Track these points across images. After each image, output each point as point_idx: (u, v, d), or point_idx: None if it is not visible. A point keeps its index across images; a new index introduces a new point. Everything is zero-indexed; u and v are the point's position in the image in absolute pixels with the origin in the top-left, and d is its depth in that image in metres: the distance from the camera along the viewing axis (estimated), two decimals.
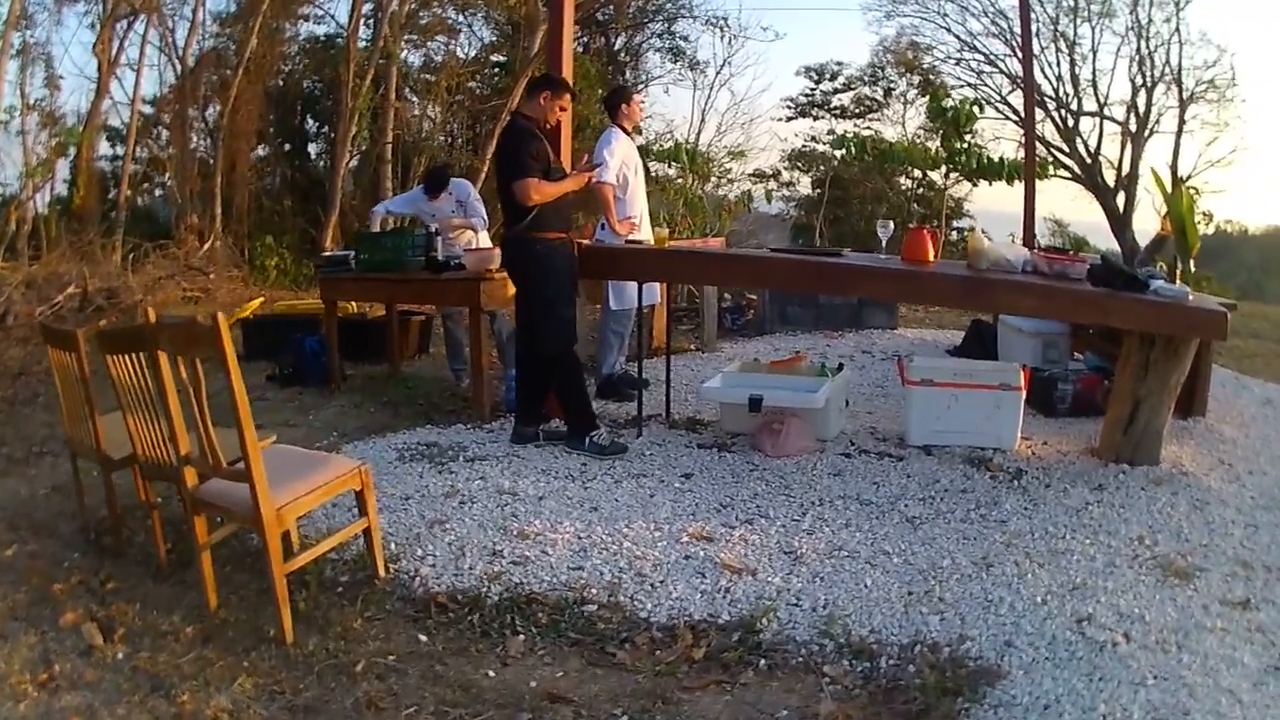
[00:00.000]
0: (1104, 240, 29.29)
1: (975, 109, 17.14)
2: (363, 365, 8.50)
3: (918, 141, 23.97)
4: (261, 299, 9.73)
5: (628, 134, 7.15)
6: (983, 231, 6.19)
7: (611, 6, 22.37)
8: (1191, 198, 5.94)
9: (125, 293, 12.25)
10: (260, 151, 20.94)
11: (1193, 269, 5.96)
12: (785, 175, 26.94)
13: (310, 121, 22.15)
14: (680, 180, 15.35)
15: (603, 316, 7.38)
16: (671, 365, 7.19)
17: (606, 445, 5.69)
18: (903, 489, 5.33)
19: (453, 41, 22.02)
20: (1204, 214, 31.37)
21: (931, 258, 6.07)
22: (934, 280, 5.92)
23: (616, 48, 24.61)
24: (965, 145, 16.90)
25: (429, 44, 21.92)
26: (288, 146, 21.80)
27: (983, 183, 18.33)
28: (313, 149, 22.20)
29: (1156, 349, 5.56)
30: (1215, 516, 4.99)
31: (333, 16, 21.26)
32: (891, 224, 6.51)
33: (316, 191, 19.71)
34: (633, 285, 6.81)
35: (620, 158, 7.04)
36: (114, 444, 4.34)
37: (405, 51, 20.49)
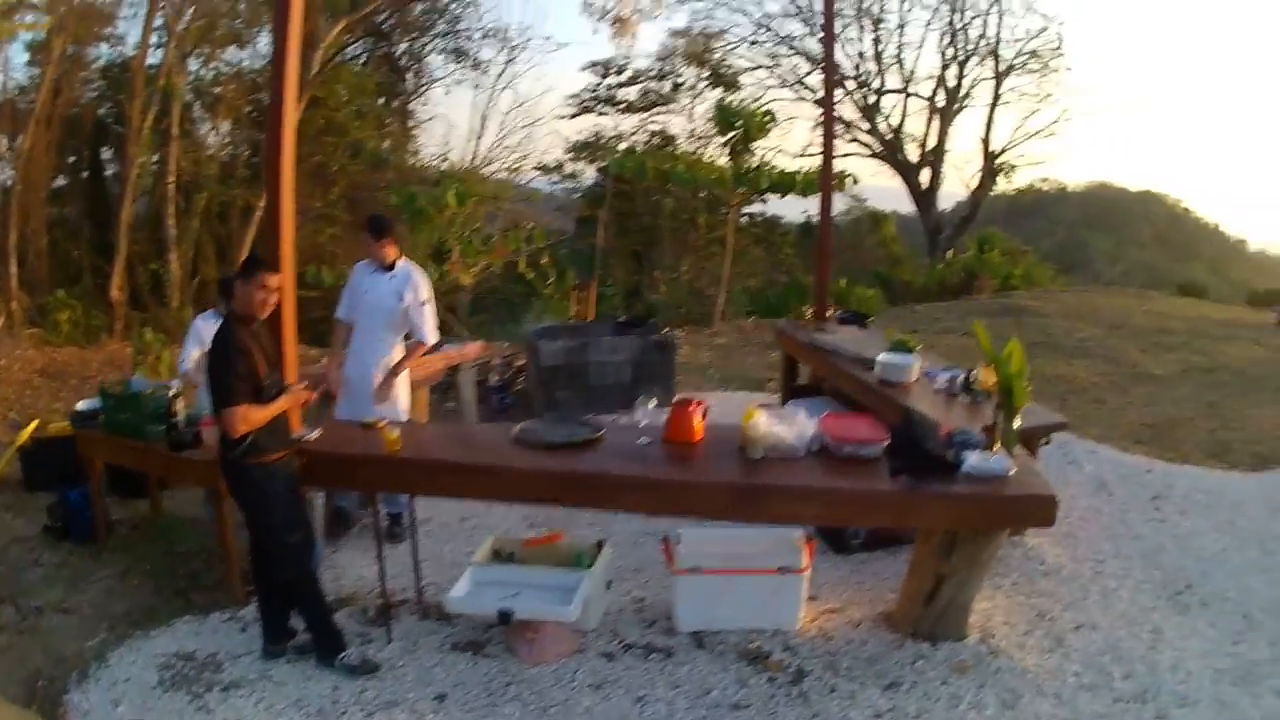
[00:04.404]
0: (903, 205, 31.66)
1: (767, 118, 18.24)
2: (132, 502, 8.42)
3: (705, 139, 26.23)
4: (35, 422, 9.27)
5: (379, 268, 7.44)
6: (760, 408, 6.03)
7: (393, 15, 23.79)
8: (1022, 360, 5.95)
9: None
10: (61, 181, 21.58)
11: (1016, 425, 6.00)
12: (569, 168, 28.74)
13: (105, 152, 22.69)
14: (453, 212, 15.51)
15: None
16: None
17: (357, 665, 5.71)
18: (670, 709, 5.37)
19: (243, 55, 22.72)
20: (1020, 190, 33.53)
21: (698, 436, 6.10)
22: (699, 491, 5.80)
23: (398, 54, 26.15)
24: (755, 164, 17.92)
25: (219, 57, 22.48)
26: (85, 174, 22.37)
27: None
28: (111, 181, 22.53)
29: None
30: (1028, 714, 5.18)
31: (122, 39, 21.80)
32: (654, 401, 6.43)
33: (114, 223, 20.22)
34: (368, 404, 6.98)
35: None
36: None
37: (195, 69, 21.45)
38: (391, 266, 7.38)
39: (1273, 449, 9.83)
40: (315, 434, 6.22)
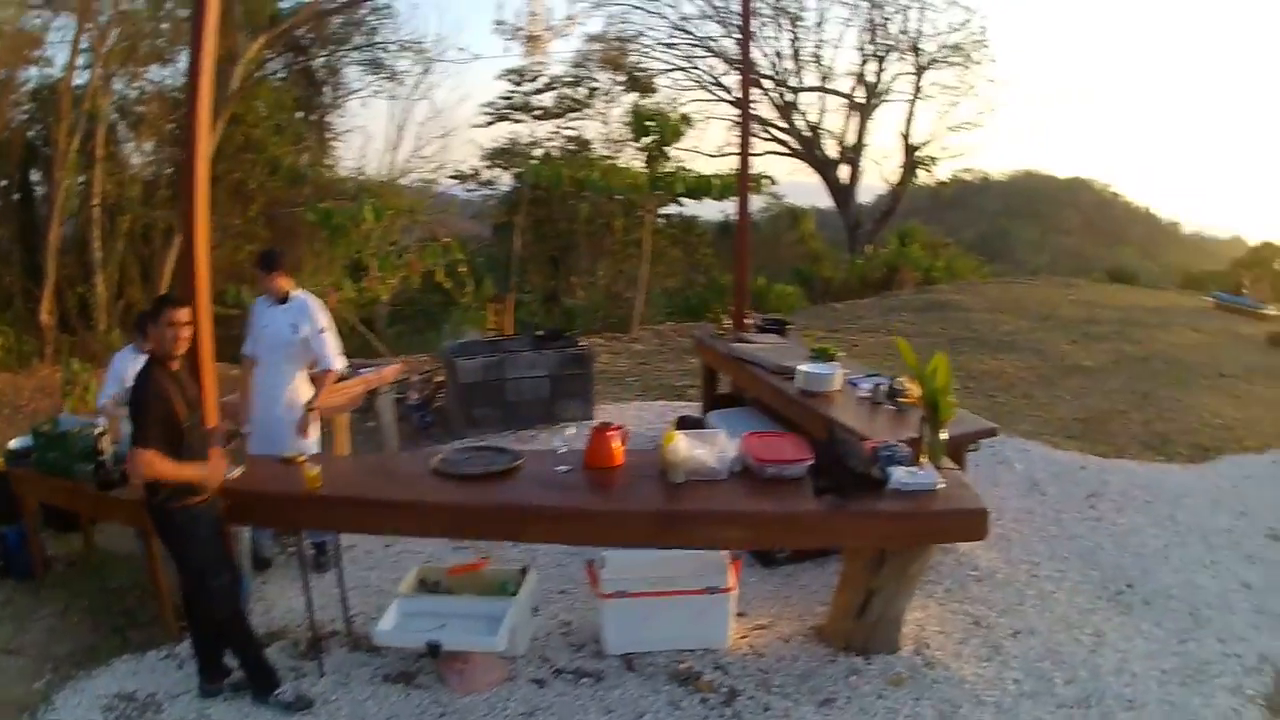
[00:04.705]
0: (823, 200, 32.11)
1: (683, 123, 18.62)
2: (66, 537, 8.35)
3: (621, 144, 26.41)
4: None
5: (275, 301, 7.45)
6: (679, 429, 5.93)
7: (312, 28, 23.88)
8: (948, 375, 5.87)
9: None
10: None
11: (943, 436, 5.94)
12: (485, 175, 29.01)
13: (34, 175, 22.77)
14: (370, 227, 15.46)
15: None
16: None
17: (291, 701, 5.72)
18: None
19: (165, 73, 22.77)
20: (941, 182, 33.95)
21: (618, 461, 6.07)
22: (621, 520, 5.78)
23: (316, 67, 26.23)
24: (671, 169, 18.13)
25: (142, 76, 22.52)
26: (16, 197, 22.43)
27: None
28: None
29: None
30: None
31: (50, 61, 21.80)
32: (572, 428, 6.41)
33: (43, 246, 20.45)
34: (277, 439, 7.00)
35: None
36: None
37: (119, 89, 21.52)
38: (286, 298, 7.36)
39: (1213, 439, 9.91)
40: (237, 472, 6.14)
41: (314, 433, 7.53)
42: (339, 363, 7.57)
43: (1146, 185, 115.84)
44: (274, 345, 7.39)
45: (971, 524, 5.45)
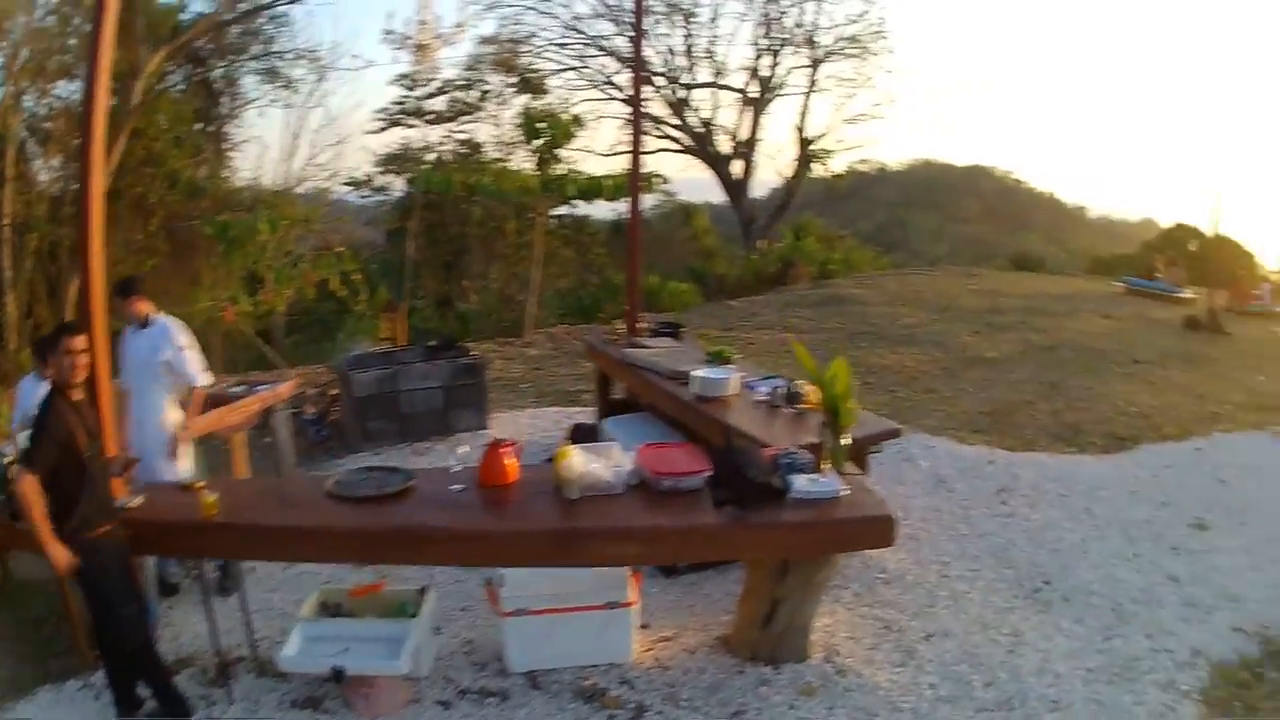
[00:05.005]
0: (716, 196, 32.44)
1: (575, 124, 19.10)
2: None
3: (513, 146, 26.95)
4: None
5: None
6: (574, 437, 5.85)
7: (211, 40, 24.13)
8: (848, 380, 5.74)
9: None
10: None
11: (845, 441, 5.85)
12: (378, 181, 29.23)
13: None
14: (266, 239, 15.47)
15: None
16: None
17: None
18: None
19: (73, 88, 22.37)
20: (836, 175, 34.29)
21: (512, 478, 5.98)
22: (515, 540, 5.65)
23: (214, 77, 26.23)
24: (562, 171, 18.58)
25: (50, 92, 22.24)
26: None
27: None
28: None
29: None
30: None
31: None
32: (465, 447, 6.34)
33: None
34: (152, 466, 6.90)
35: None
36: None
37: (29, 106, 21.40)
38: (146, 322, 7.32)
39: (1128, 428, 9.92)
40: (137, 500, 6.08)
41: (185, 458, 7.45)
42: (203, 379, 7.53)
43: (1051, 171, 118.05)
44: (139, 371, 7.33)
45: (878, 531, 5.38)
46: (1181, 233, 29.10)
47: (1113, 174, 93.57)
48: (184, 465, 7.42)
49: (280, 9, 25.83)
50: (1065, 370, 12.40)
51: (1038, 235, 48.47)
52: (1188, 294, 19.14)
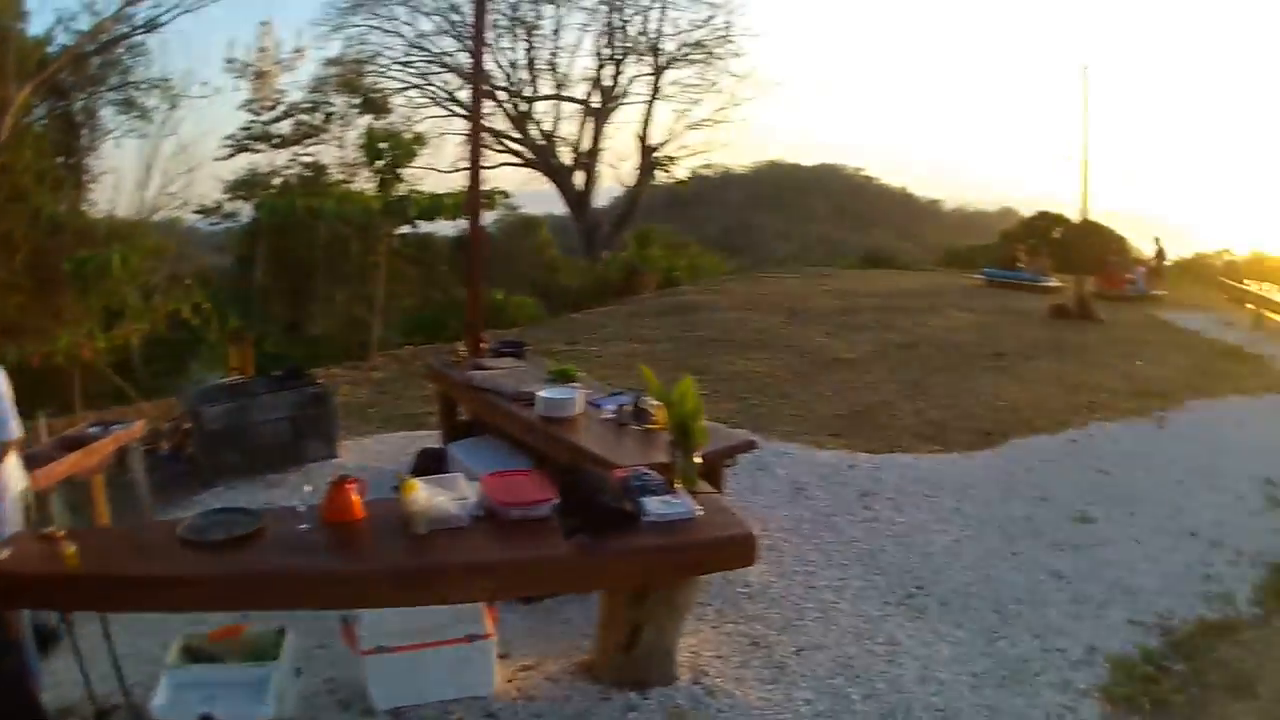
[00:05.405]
0: (558, 207, 32.56)
1: (416, 143, 19.82)
2: None
3: (357, 167, 27.24)
4: None
5: None
6: (419, 463, 5.68)
7: (73, 73, 24.72)
8: (697, 398, 5.74)
9: None
10: None
11: (696, 460, 5.75)
12: (227, 207, 29.06)
13: None
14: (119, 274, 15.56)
15: None
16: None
17: None
18: None
19: None
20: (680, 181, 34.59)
21: (359, 515, 5.75)
22: (362, 581, 5.45)
23: (74, 110, 26.44)
24: (405, 193, 18.78)
25: None
26: None
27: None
28: None
29: None
30: None
31: None
32: (310, 486, 6.17)
33: None
34: None
35: None
36: None
37: None
38: None
39: (996, 423, 9.98)
40: (5, 553, 5.78)
41: (10, 512, 6.95)
42: (9, 432, 6.95)
43: (903, 167, 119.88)
44: None
45: (738, 550, 5.27)
46: (1044, 220, 29.64)
47: (967, 166, 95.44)
48: (8, 518, 6.94)
49: (137, 39, 26.18)
50: (926, 368, 12.50)
51: (890, 231, 49.28)
52: (1054, 282, 19.41)
